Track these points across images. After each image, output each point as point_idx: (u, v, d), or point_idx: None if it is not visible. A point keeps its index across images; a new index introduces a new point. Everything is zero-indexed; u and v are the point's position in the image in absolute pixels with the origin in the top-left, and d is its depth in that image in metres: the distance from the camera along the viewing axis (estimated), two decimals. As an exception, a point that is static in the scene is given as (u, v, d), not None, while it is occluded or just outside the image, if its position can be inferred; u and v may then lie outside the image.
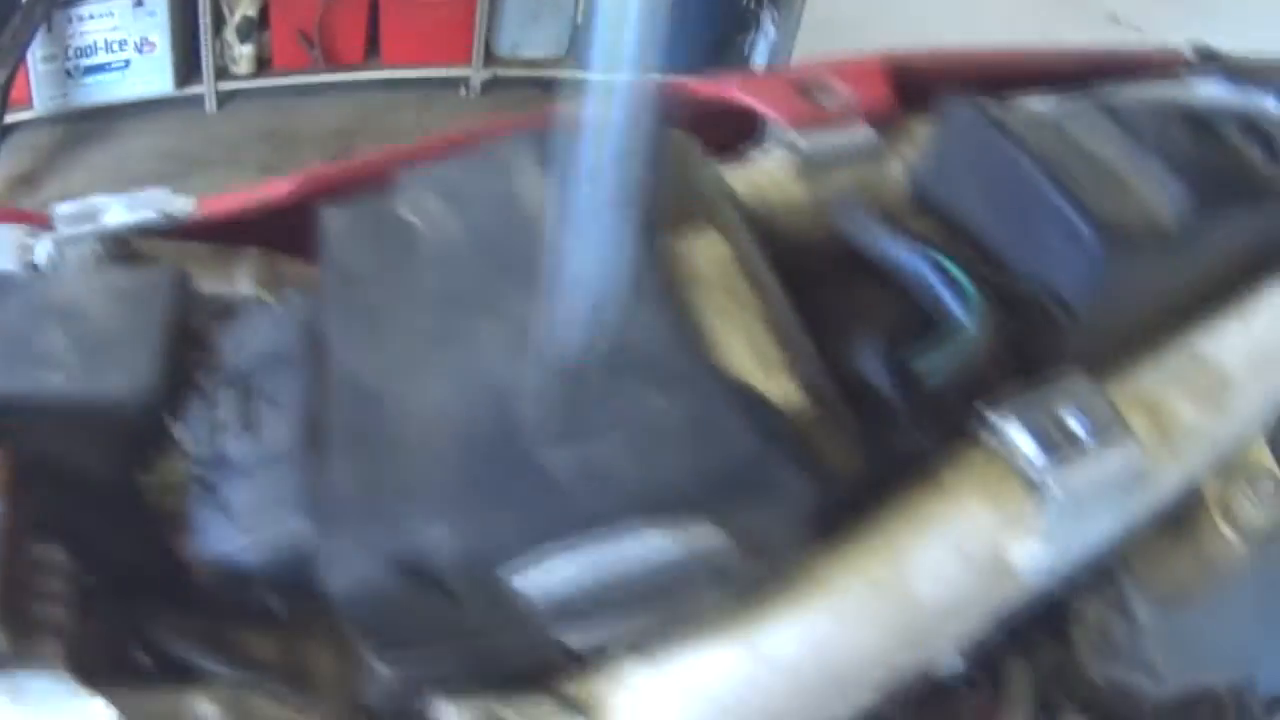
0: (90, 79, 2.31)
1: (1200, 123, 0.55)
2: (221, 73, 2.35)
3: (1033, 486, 0.43)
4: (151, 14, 2.23)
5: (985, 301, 0.44)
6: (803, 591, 0.43)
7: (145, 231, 0.61)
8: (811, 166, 0.55)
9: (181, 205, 0.62)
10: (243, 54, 2.36)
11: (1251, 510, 0.53)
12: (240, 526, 0.42)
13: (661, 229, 0.46)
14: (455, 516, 0.37)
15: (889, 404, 0.43)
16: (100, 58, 2.24)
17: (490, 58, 2.49)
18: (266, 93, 2.39)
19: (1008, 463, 0.43)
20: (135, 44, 2.28)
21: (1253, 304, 0.52)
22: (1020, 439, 0.42)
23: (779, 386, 0.39)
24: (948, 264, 0.45)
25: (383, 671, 0.42)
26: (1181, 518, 0.55)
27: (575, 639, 0.42)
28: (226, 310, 0.55)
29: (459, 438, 0.38)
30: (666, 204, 0.46)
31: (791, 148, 0.56)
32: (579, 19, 2.50)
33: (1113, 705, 0.59)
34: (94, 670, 0.39)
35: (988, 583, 0.44)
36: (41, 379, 0.46)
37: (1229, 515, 0.54)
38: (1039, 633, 0.60)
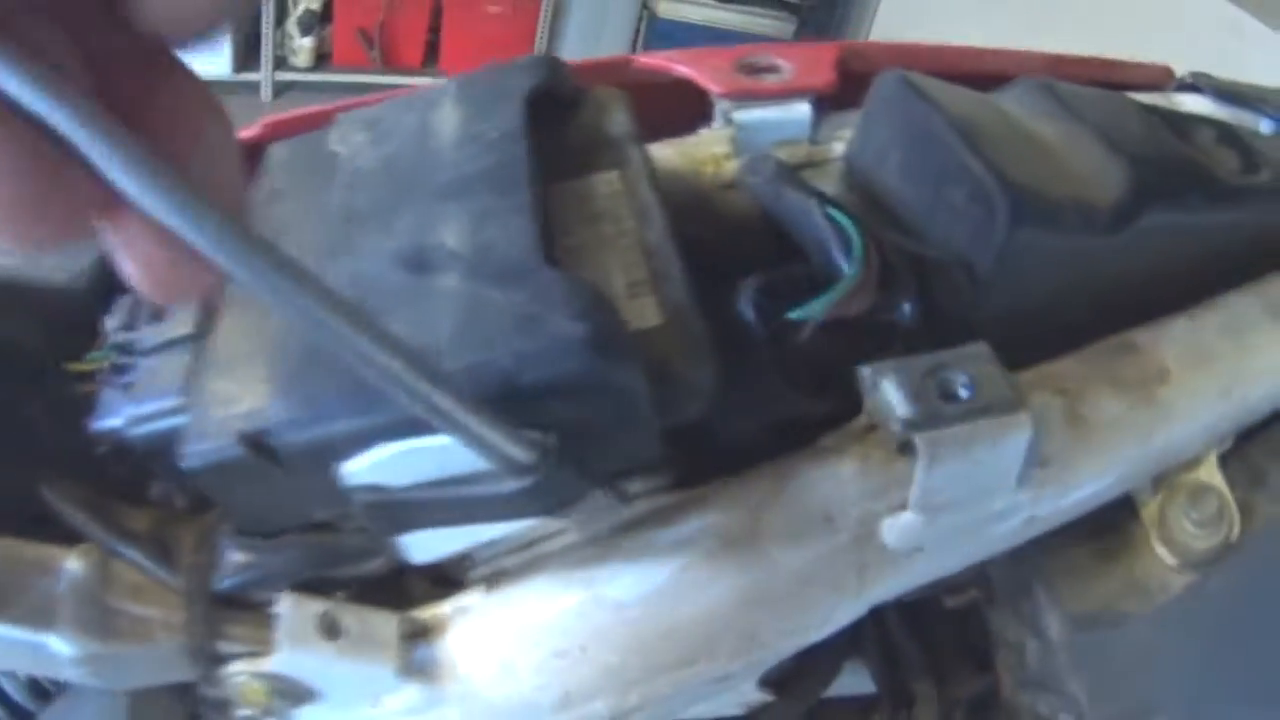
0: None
1: (1160, 118, 0.51)
2: (280, 63, 2.45)
3: (904, 450, 0.40)
4: (218, -2, 2.32)
5: (869, 249, 0.42)
6: (649, 535, 0.42)
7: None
8: (746, 142, 0.55)
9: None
10: (303, 46, 2.45)
11: (1191, 531, 0.48)
12: (131, 403, 0.44)
13: (564, 172, 0.46)
14: (291, 392, 0.38)
15: (759, 349, 0.41)
16: (160, 34, 2.34)
17: (551, 70, 2.55)
18: (322, 87, 2.48)
19: (882, 425, 0.40)
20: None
21: (1206, 306, 0.48)
22: (892, 394, 0.39)
23: (639, 304, 0.39)
24: (835, 213, 0.43)
25: (234, 558, 0.43)
26: (1112, 531, 0.50)
27: (416, 553, 0.42)
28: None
29: None
30: (576, 151, 0.47)
31: (725, 120, 0.55)
32: (641, 33, 2.49)
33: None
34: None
35: (852, 551, 0.42)
36: (-16, 256, 0.50)
37: (1166, 535, 0.48)
38: (957, 657, 0.57)
